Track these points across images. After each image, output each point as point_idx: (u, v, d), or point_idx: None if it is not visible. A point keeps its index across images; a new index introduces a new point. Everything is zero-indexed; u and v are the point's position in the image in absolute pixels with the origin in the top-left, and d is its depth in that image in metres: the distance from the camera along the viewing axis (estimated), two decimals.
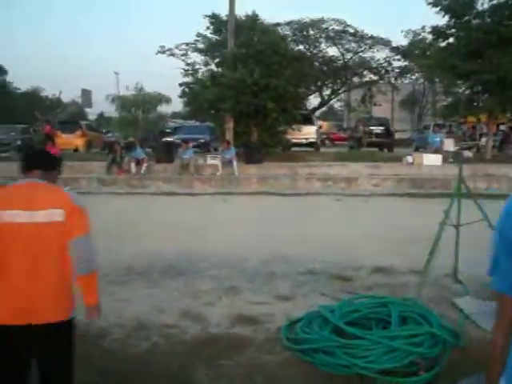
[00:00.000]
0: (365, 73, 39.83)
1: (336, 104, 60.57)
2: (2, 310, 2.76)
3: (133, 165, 18.04)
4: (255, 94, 19.47)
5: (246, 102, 19.24)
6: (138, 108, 21.18)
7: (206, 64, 27.14)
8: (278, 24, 32.55)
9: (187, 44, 39.91)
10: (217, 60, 26.03)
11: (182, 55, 40.94)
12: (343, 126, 61.49)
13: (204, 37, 38.65)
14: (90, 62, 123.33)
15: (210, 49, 38.98)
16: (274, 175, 17.91)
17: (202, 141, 23.10)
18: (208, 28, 36.63)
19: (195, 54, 39.41)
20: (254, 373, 4.09)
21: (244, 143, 20.44)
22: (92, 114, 61.45)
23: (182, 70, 40.29)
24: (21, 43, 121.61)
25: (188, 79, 42.65)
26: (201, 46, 39.88)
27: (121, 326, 4.99)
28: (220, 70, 21.80)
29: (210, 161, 18.60)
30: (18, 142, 22.94)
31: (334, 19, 38.35)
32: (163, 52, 41.22)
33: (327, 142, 42.45)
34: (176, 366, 4.17)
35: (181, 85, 40.32)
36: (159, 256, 7.70)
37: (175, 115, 49.78)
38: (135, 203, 13.68)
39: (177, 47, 40.07)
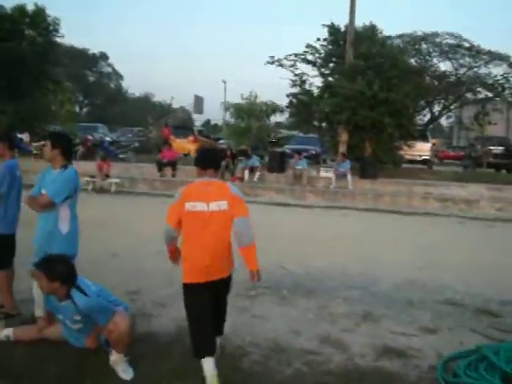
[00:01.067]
0: (479, 89, 37.87)
1: (444, 121, 58.23)
2: (194, 273, 3.91)
3: (247, 172, 18.04)
4: (372, 107, 18.89)
5: (363, 115, 18.71)
6: (251, 116, 21.21)
7: (323, 75, 26.78)
8: (390, 37, 31.70)
9: (296, 55, 40.04)
10: (330, 71, 25.62)
11: (291, 66, 41.13)
12: (452, 144, 59.04)
13: (313, 48, 38.56)
14: (198, 70, 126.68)
15: (320, 60, 38.79)
16: (390, 192, 17.20)
17: (313, 152, 22.79)
18: (319, 39, 36.53)
19: (303, 65, 39.50)
20: None
21: (357, 157, 19.90)
22: (198, 120, 63.57)
23: (290, 81, 40.47)
24: (135, 50, 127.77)
25: (296, 90, 42.77)
26: (310, 57, 39.84)
27: (257, 346, 4.70)
28: (334, 80, 21.38)
29: (323, 173, 18.23)
30: (136, 144, 23.76)
31: (448, 33, 36.86)
32: (272, 63, 41.67)
33: (435, 159, 40.73)
34: None
35: (288, 95, 40.46)
36: (284, 270, 7.42)
37: (278, 125, 50.10)
38: (250, 212, 13.55)
39: (285, 58, 40.39)
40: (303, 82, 43.22)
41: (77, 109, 64.21)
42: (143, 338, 4.61)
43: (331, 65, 29.86)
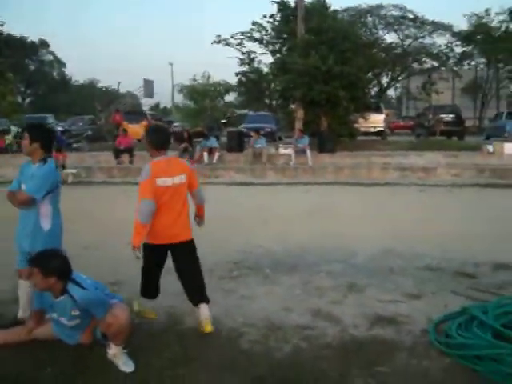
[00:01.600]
0: (425, 59, 38.65)
1: (391, 92, 59.26)
2: (160, 237, 4.49)
3: (205, 154, 17.84)
4: (326, 81, 18.95)
5: (318, 90, 18.74)
6: (205, 97, 20.86)
7: (273, 52, 26.69)
8: (336, 11, 31.94)
9: (242, 33, 39.83)
10: (280, 47, 25.53)
11: (238, 45, 40.94)
12: (401, 114, 60.18)
13: (259, 25, 38.46)
14: (144, 53, 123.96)
15: (268, 37, 38.85)
16: (349, 165, 17.40)
17: (269, 130, 22.70)
18: (265, 16, 36.44)
19: (250, 43, 39.50)
20: (420, 382, 3.72)
21: (313, 132, 20.00)
22: (146, 104, 62.62)
23: (238, 60, 40.42)
24: (76, 36, 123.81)
25: (244, 68, 42.64)
26: (257, 35, 39.77)
27: (252, 326, 4.68)
28: (286, 56, 21.30)
29: (282, 150, 18.24)
30: (89, 133, 23.14)
31: (393, 5, 37.33)
32: (219, 42, 41.33)
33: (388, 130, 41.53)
34: (335, 372, 3.83)
35: (237, 74, 40.29)
36: (261, 249, 7.42)
37: (228, 105, 50.07)
38: (213, 193, 13.40)
39: (232, 36, 40.15)
40: (251, 60, 43.18)
41: (19, 99, 62.09)
42: (136, 329, 4.51)
43: (281, 41, 29.78)
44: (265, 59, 52.19)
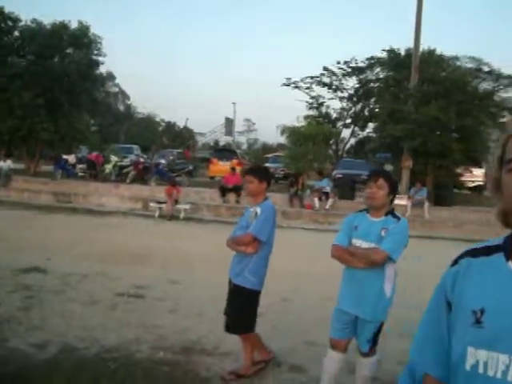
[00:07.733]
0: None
1: None
2: None
3: (316, 200, 17.07)
4: (442, 133, 18.33)
5: (434, 142, 18.10)
6: (309, 140, 20.34)
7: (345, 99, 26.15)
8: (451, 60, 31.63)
9: (312, 77, 40.12)
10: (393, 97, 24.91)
11: (307, 88, 41.22)
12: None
13: (330, 71, 38.70)
14: (208, 91, 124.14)
15: (337, 82, 38.95)
16: (468, 220, 16.51)
17: (364, 177, 22.01)
18: (339, 62, 36.67)
19: (319, 87, 39.83)
20: None
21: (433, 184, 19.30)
22: (200, 141, 63.41)
23: (307, 103, 40.77)
24: (141, 71, 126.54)
25: (312, 112, 42.91)
26: (326, 79, 40.01)
27: None
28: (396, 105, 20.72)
29: (396, 201, 17.44)
30: (190, 168, 22.94)
31: (469, 57, 36.82)
32: (288, 84, 41.77)
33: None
34: None
35: (306, 117, 40.33)
36: None
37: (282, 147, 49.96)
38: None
39: (302, 80, 40.50)
40: (320, 104, 43.41)
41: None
42: None
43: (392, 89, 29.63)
44: (333, 104, 52.32)
